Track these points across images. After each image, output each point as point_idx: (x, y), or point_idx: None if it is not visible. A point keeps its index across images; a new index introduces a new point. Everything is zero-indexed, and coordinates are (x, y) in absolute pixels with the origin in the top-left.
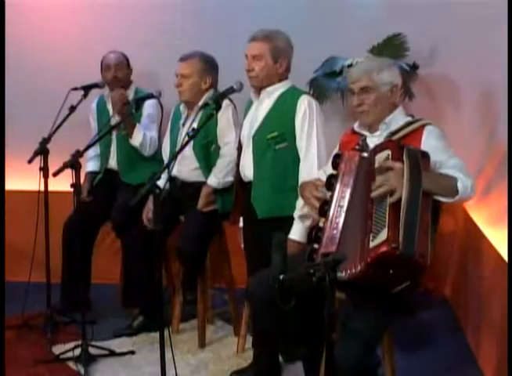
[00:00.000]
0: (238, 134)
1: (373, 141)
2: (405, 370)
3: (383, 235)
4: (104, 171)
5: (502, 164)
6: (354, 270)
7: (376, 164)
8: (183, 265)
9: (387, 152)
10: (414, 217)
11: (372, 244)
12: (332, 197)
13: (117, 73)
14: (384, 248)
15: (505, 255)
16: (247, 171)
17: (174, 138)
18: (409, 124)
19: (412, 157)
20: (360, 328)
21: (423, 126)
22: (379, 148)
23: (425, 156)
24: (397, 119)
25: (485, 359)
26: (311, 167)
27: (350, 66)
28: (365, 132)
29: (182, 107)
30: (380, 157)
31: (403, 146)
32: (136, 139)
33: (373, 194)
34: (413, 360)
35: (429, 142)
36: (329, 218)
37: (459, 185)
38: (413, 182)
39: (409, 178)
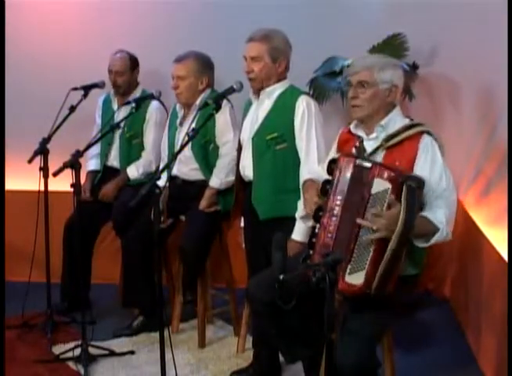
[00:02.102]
0: (236, 133)
1: (369, 144)
2: (405, 370)
3: (360, 276)
4: (104, 170)
5: (503, 164)
6: None
7: (373, 191)
8: (185, 265)
9: (387, 185)
10: (393, 266)
11: (348, 278)
12: (326, 203)
13: (117, 79)
14: (357, 289)
15: (505, 255)
16: (248, 172)
17: (172, 137)
18: (406, 128)
19: (410, 200)
20: (359, 328)
21: (421, 133)
22: (378, 170)
23: (420, 187)
24: (394, 121)
25: (485, 359)
26: (313, 168)
27: (350, 66)
28: (361, 134)
29: (177, 107)
30: (379, 186)
31: (404, 180)
32: (134, 177)
33: (359, 221)
34: (413, 360)
35: (422, 157)
36: (323, 225)
37: (436, 236)
38: (404, 233)
39: (401, 230)
